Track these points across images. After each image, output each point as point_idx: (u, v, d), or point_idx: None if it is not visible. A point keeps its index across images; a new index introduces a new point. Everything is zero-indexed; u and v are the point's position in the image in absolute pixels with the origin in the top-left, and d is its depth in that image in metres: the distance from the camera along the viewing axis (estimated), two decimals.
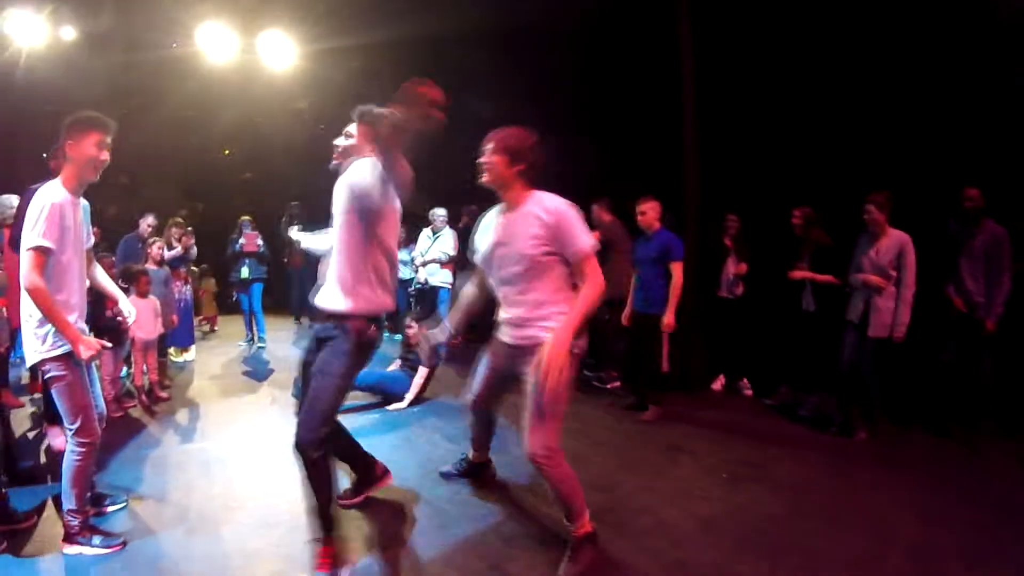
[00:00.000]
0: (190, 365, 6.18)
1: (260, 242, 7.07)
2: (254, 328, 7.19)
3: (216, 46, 7.09)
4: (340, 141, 2.47)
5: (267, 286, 7.29)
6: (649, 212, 4.38)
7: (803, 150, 5.64)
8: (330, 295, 2.35)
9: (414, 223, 7.16)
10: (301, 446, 2.27)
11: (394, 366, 5.05)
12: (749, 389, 5.30)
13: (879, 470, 3.56)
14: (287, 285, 8.79)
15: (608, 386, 5.34)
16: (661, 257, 4.30)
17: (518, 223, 2.40)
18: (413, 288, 7.21)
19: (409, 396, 4.68)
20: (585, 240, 2.33)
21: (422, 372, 4.73)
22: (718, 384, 5.40)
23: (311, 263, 8.22)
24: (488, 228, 2.55)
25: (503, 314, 2.56)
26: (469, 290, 2.78)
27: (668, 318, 4.24)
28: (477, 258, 2.64)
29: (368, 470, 2.98)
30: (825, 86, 5.53)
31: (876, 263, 4.04)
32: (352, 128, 2.46)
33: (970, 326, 4.17)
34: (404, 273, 7.08)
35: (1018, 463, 3.73)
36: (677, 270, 4.25)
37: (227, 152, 11.64)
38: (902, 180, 4.60)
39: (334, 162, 2.48)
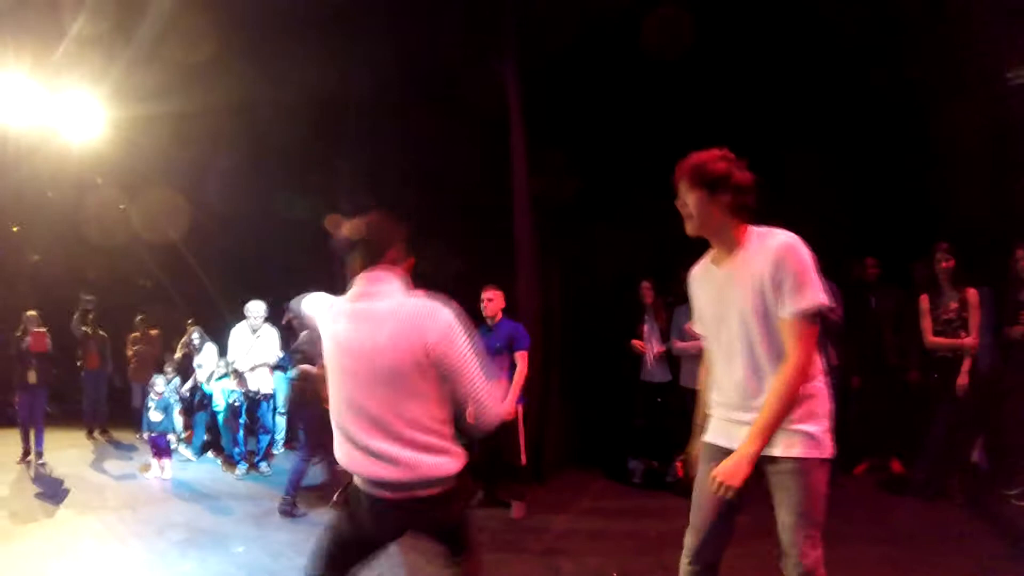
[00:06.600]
0: None
1: (49, 341, 5.95)
2: (32, 442, 5.90)
3: (8, 104, 5.91)
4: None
5: (54, 392, 6.19)
6: (496, 300, 4.26)
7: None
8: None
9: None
10: None
11: None
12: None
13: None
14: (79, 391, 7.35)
15: None
16: (507, 347, 4.19)
17: (741, 272, 1.86)
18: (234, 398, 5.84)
19: None
20: (814, 295, 1.75)
21: None
22: None
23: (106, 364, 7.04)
24: (705, 285, 2.01)
25: (732, 411, 1.92)
26: (705, 378, 2.13)
27: (509, 407, 4.05)
28: (700, 327, 2.08)
29: None
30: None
31: None
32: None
33: None
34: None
35: None
36: (523, 360, 4.16)
37: (16, 229, 9.74)
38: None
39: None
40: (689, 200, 1.86)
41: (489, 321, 4.27)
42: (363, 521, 1.90)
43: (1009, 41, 4.55)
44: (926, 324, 4.25)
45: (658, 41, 4.67)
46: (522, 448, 4.29)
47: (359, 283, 1.87)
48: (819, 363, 1.84)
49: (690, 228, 1.89)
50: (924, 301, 4.27)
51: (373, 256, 1.87)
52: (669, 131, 4.88)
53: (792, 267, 1.74)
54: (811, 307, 1.73)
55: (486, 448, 4.36)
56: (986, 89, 4.83)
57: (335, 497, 1.87)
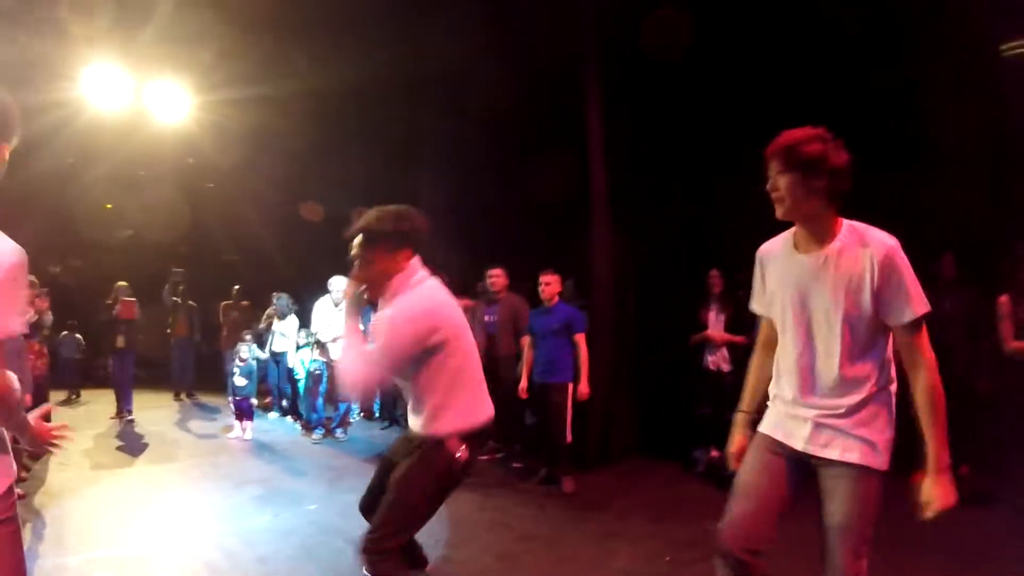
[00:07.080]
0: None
1: (137, 309, 6.48)
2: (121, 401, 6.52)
3: (102, 91, 6.38)
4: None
5: (145, 358, 6.72)
6: (552, 284, 4.43)
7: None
8: None
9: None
10: (363, 554, 2.06)
11: None
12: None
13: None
14: (168, 357, 7.93)
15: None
16: (564, 329, 4.36)
17: (833, 266, 1.74)
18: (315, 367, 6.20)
19: None
20: (925, 300, 1.68)
21: None
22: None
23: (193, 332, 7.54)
24: (782, 267, 1.86)
25: (794, 406, 1.83)
26: (757, 362, 2.06)
27: (584, 387, 4.30)
28: (762, 309, 1.97)
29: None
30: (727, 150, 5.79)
31: None
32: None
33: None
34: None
35: None
36: (583, 341, 4.34)
37: (108, 206, 10.53)
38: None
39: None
40: (780, 183, 1.72)
41: (546, 303, 4.45)
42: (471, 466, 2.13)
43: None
44: (1005, 328, 3.89)
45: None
46: (568, 427, 4.38)
47: (421, 269, 2.09)
48: (892, 371, 1.76)
49: (780, 212, 1.76)
50: (1004, 303, 3.92)
51: (419, 245, 2.10)
52: (710, 124, 4.95)
53: (902, 274, 1.66)
54: (926, 312, 1.66)
55: (539, 425, 4.61)
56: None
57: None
